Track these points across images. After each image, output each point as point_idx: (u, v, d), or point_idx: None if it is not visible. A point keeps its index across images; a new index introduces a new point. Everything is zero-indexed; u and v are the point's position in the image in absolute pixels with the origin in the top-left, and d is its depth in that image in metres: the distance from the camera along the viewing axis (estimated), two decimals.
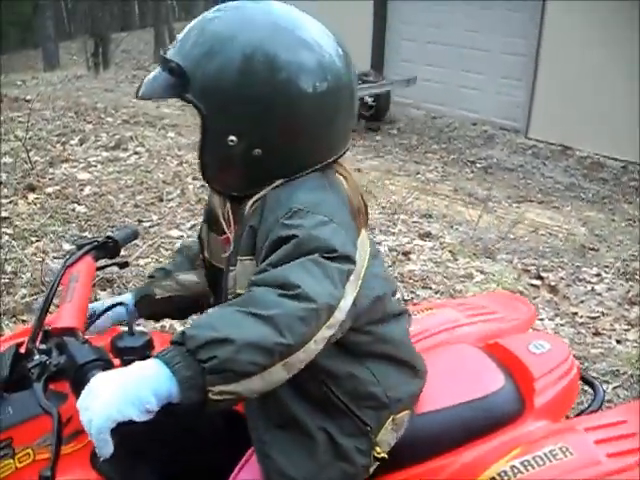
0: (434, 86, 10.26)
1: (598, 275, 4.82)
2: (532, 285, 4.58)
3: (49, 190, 5.77)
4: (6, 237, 4.69)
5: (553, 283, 4.59)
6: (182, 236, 4.86)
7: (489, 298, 2.55)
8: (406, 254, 4.89)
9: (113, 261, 1.87)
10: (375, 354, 1.55)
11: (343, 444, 1.49)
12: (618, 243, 5.64)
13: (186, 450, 1.66)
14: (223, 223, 1.50)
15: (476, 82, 9.93)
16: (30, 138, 7.12)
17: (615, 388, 3.39)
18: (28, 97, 10.28)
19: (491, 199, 6.50)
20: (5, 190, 5.75)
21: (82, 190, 5.89)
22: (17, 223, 5.00)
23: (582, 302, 4.36)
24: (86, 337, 1.44)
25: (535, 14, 8.98)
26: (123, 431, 1.15)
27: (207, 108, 1.36)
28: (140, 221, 5.12)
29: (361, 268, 1.36)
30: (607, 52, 8.06)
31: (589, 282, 4.69)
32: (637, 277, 4.78)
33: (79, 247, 1.76)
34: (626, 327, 4.04)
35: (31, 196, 5.63)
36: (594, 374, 3.40)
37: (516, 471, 1.55)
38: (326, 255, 1.25)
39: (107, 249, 1.82)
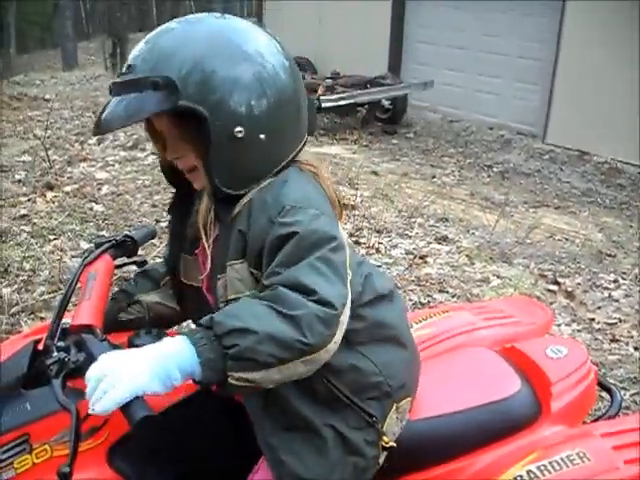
0: (451, 90, 10.23)
1: (615, 281, 4.78)
2: (549, 290, 4.56)
3: (67, 189, 5.82)
4: (25, 235, 4.73)
5: (570, 289, 4.56)
6: None
7: (506, 302, 2.54)
8: (423, 257, 4.88)
9: (132, 259, 1.87)
10: (372, 340, 1.56)
11: (351, 438, 1.50)
12: (636, 249, 5.59)
13: (200, 450, 1.66)
14: (202, 233, 1.50)
15: (493, 86, 9.89)
16: (49, 137, 7.19)
17: (633, 395, 3.37)
18: (47, 96, 10.38)
19: (508, 204, 6.47)
20: (24, 188, 5.81)
21: (100, 189, 5.93)
22: (35, 221, 5.04)
23: (599, 308, 4.33)
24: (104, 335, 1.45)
25: (554, 18, 8.93)
26: (139, 430, 1.16)
27: (208, 108, 1.36)
28: (157, 221, 5.14)
29: (347, 250, 1.43)
30: (626, 56, 8.01)
31: (606, 288, 4.65)
32: None
33: (97, 245, 1.76)
34: None
35: (49, 194, 5.68)
36: (611, 381, 3.36)
37: (532, 476, 1.54)
38: (329, 247, 1.32)
39: (125, 248, 1.82)
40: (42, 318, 3.62)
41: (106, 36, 19.29)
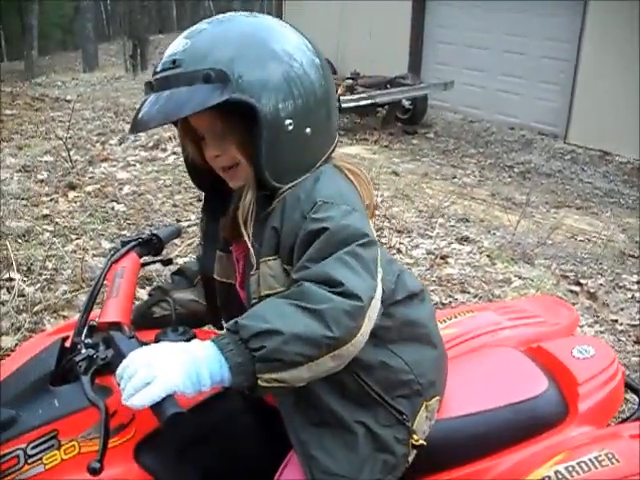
0: (472, 90, 10.21)
1: (639, 282, 4.74)
2: (571, 291, 4.53)
3: (89, 189, 5.85)
4: (47, 234, 4.75)
5: (592, 290, 4.53)
6: None
7: (531, 302, 2.52)
8: (444, 258, 4.86)
9: (157, 258, 1.88)
10: (403, 338, 1.57)
11: (382, 435, 1.50)
12: None
13: (228, 448, 1.66)
14: (242, 229, 1.50)
15: (514, 86, 9.85)
16: (70, 137, 7.23)
17: None
18: (68, 97, 10.46)
19: (529, 204, 6.43)
20: (46, 188, 5.85)
21: (121, 189, 5.96)
22: (58, 220, 5.07)
23: (622, 309, 4.29)
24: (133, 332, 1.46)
25: (575, 18, 8.89)
26: (169, 427, 1.16)
27: (259, 101, 1.36)
28: (178, 220, 5.15)
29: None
30: None
31: (629, 289, 4.61)
32: None
33: (124, 244, 1.78)
34: None
35: (71, 194, 5.72)
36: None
37: (560, 477, 1.53)
38: (359, 242, 1.32)
39: (151, 246, 1.84)
40: (65, 317, 3.64)
41: (126, 38, 19.46)
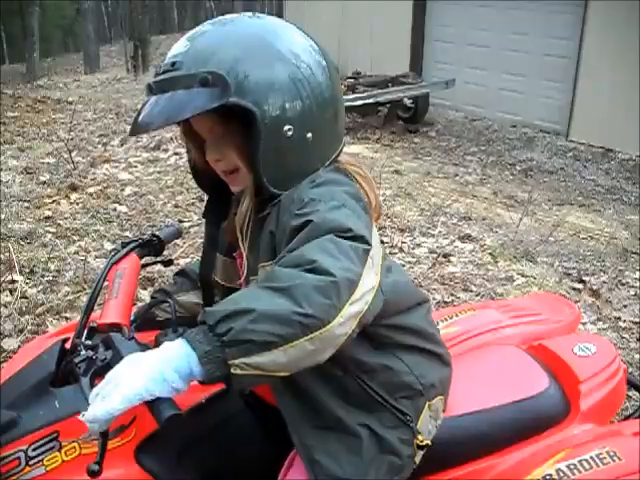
0: (473, 88, 10.19)
1: None
2: (574, 289, 4.52)
3: (91, 190, 5.86)
4: (49, 236, 4.76)
5: (595, 287, 4.52)
6: None
7: (532, 299, 2.51)
8: (446, 256, 4.86)
9: (158, 259, 1.88)
10: (405, 345, 1.55)
11: (386, 437, 1.49)
12: None
13: (228, 449, 1.66)
14: (239, 235, 1.49)
15: (516, 84, 9.84)
16: (72, 139, 7.25)
17: None
18: (70, 99, 10.48)
19: (531, 202, 6.42)
20: (48, 190, 5.86)
21: (123, 190, 5.97)
22: (60, 222, 5.08)
23: (625, 307, 4.28)
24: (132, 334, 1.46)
25: (577, 15, 8.86)
26: (169, 428, 1.16)
27: (258, 106, 1.35)
28: (180, 221, 5.16)
29: (378, 252, 1.35)
30: None
31: (632, 286, 4.60)
32: None
33: (124, 245, 1.77)
34: None
35: (73, 196, 5.73)
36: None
37: (562, 474, 1.52)
38: (341, 234, 1.23)
39: (151, 247, 1.83)
40: (67, 318, 3.65)
41: (127, 39, 19.46)
